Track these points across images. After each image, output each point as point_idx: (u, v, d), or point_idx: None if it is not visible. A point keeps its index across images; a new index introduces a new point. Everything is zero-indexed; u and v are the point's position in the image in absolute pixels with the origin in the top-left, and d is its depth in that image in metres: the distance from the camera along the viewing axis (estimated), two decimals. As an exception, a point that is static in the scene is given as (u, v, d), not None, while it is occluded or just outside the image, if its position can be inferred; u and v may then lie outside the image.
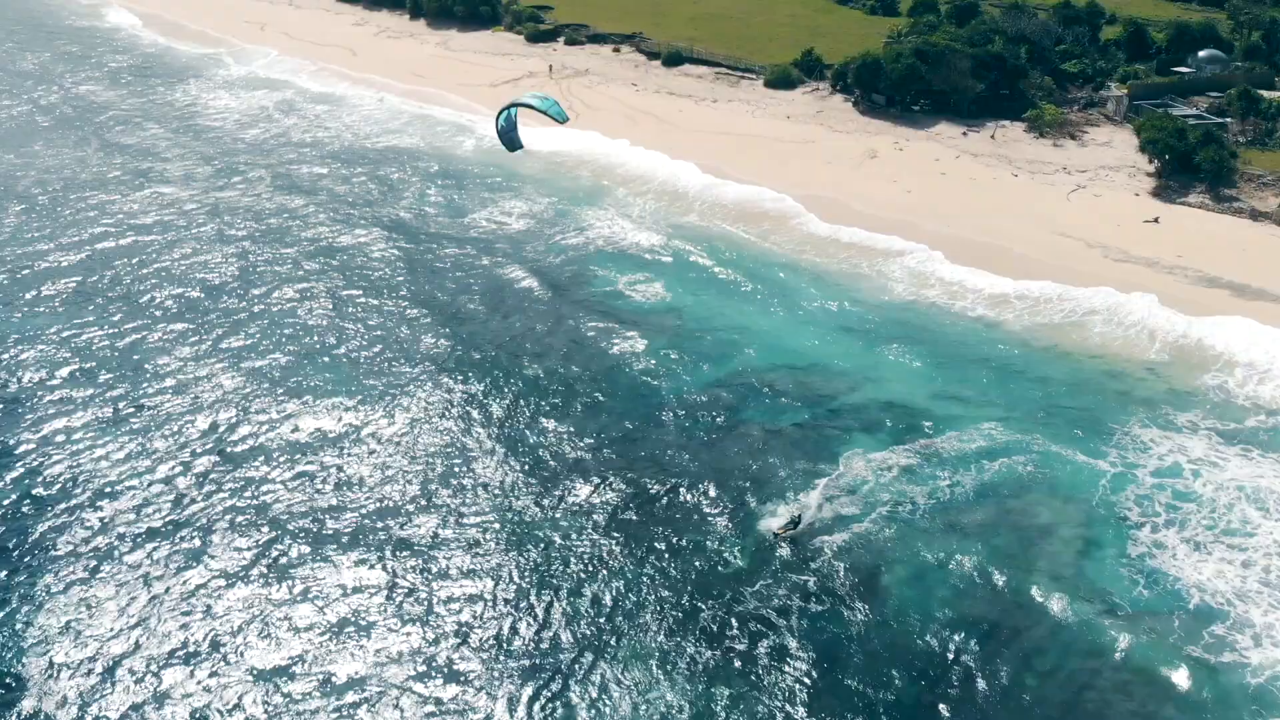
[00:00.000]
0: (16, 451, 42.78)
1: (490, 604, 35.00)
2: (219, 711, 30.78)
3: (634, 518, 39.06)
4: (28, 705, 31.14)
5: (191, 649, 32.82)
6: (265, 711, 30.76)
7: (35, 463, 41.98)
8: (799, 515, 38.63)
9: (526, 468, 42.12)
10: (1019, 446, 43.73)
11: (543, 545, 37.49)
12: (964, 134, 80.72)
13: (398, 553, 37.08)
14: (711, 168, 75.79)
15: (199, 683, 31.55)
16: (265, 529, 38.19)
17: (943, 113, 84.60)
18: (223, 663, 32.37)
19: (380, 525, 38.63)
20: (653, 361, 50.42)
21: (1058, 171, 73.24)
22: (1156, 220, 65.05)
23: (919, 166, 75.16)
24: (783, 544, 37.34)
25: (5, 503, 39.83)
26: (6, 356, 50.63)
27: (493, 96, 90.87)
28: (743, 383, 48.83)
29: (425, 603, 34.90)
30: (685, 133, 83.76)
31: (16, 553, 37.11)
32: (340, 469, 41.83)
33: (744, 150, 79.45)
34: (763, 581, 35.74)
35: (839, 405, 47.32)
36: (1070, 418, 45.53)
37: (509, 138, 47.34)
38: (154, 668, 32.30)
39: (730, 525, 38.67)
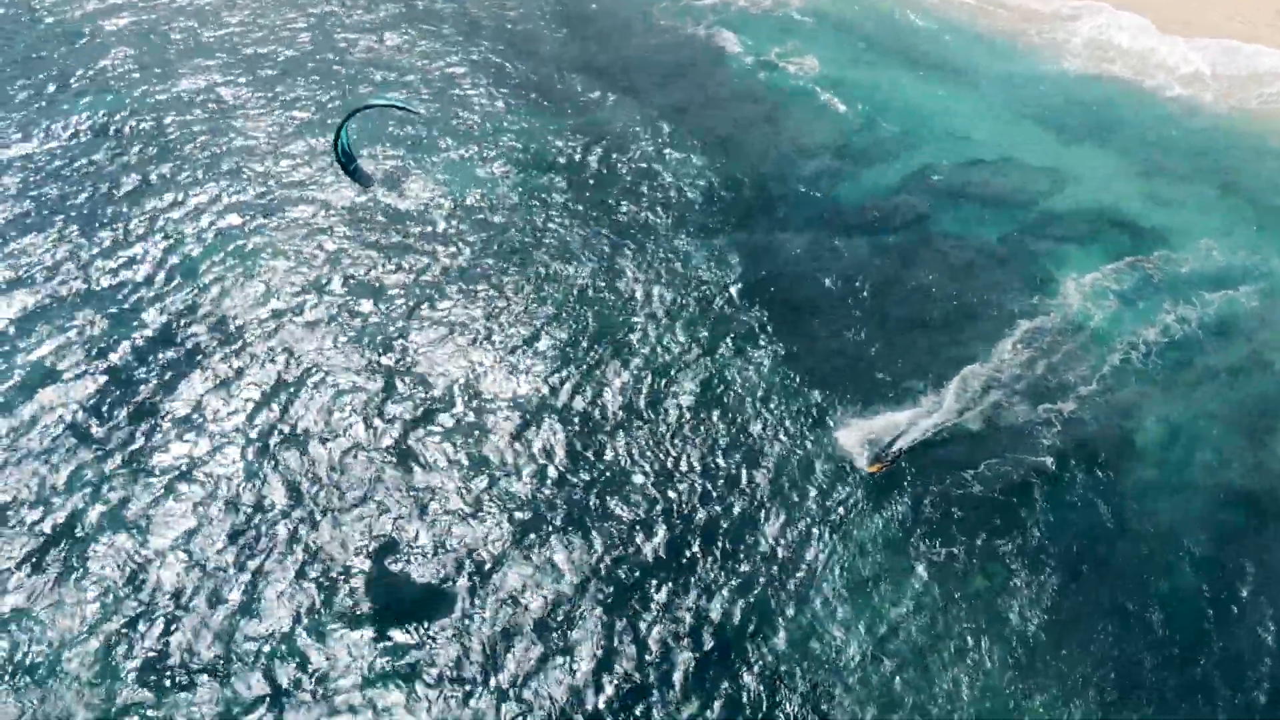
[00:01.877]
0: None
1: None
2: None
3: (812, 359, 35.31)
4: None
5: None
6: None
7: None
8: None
9: (667, 284, 37.74)
10: (1245, 270, 39.19)
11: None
12: None
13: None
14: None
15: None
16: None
17: None
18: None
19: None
20: (819, 161, 44.63)
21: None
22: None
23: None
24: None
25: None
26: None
27: None
28: (928, 186, 43.24)
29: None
30: None
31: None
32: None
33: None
34: (1001, 441, 32.32)
35: (1040, 213, 41.94)
36: (1305, 233, 40.65)
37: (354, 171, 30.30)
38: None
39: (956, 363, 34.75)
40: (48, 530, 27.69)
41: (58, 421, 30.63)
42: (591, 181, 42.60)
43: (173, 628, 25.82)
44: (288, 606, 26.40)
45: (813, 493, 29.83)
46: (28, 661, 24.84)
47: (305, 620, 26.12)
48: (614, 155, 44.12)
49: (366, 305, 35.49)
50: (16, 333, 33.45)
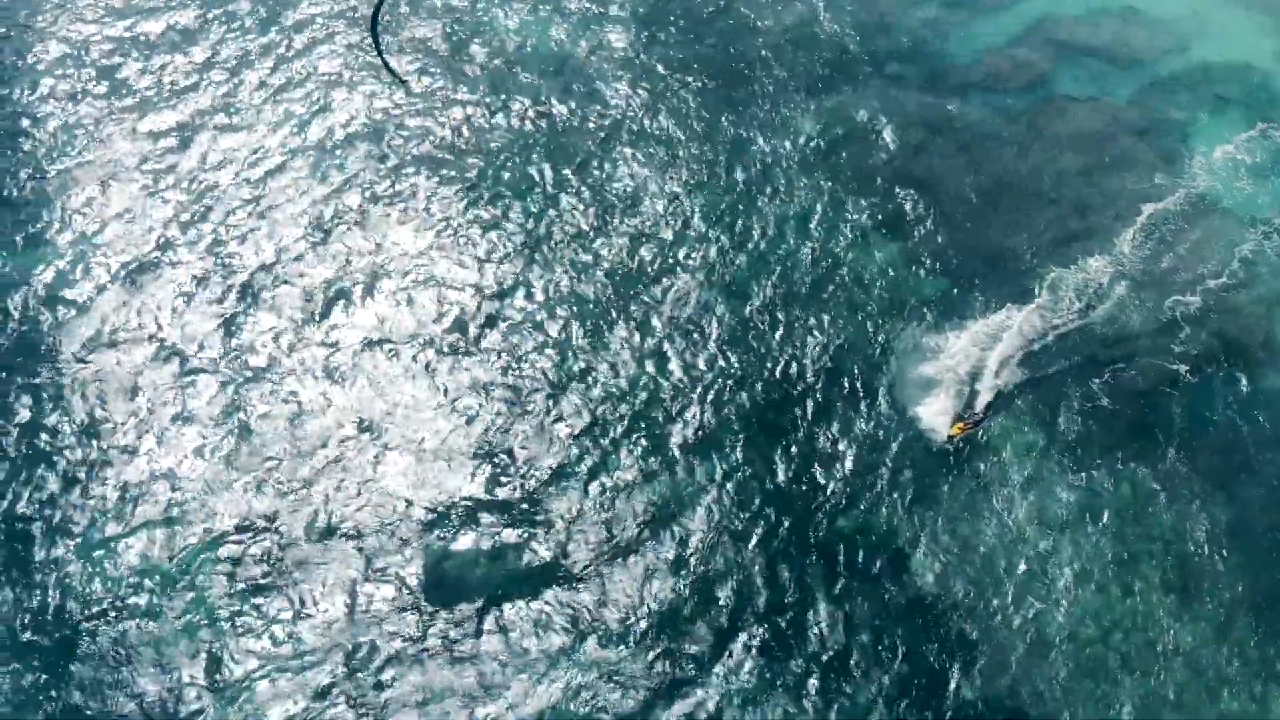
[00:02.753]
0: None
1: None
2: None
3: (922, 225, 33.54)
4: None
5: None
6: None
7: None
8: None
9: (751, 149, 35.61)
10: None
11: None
12: None
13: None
14: None
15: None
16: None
17: None
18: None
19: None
20: (927, 9, 41.16)
21: None
22: None
23: None
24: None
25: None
26: None
27: None
28: (1047, 39, 40.10)
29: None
30: None
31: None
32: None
33: None
34: (1128, 344, 30.99)
35: (1167, 72, 39.15)
36: None
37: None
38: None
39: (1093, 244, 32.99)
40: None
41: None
42: (676, 36, 39.60)
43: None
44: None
45: (933, 405, 29.02)
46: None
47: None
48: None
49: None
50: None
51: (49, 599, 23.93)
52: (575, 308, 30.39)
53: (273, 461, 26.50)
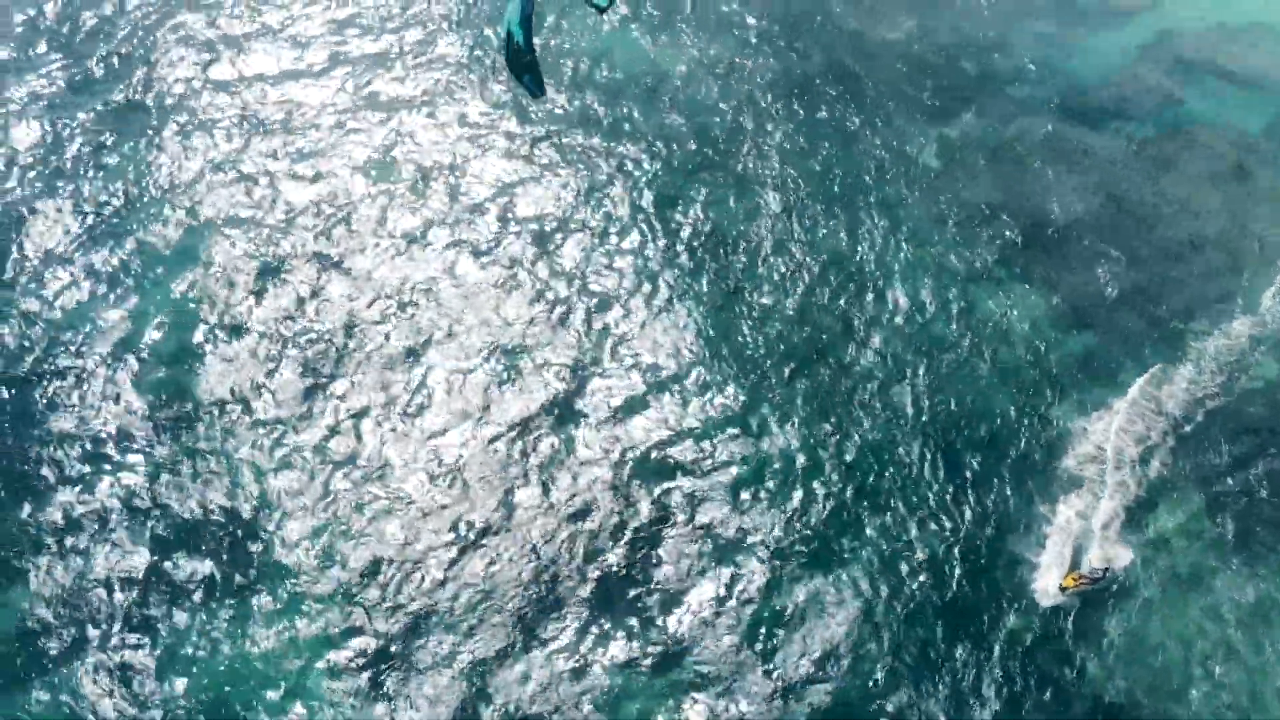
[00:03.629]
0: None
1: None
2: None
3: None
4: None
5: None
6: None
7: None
8: None
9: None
10: None
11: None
12: None
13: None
14: None
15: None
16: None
17: None
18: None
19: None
20: (1043, 23, 38.06)
21: None
22: None
23: None
24: None
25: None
26: None
27: None
28: (1171, 57, 37.23)
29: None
30: None
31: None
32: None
33: None
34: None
35: (1302, 98, 36.57)
36: None
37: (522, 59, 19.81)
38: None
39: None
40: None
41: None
42: (777, 51, 36.63)
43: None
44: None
45: (1085, 476, 26.64)
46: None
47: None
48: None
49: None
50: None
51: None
52: (681, 351, 27.83)
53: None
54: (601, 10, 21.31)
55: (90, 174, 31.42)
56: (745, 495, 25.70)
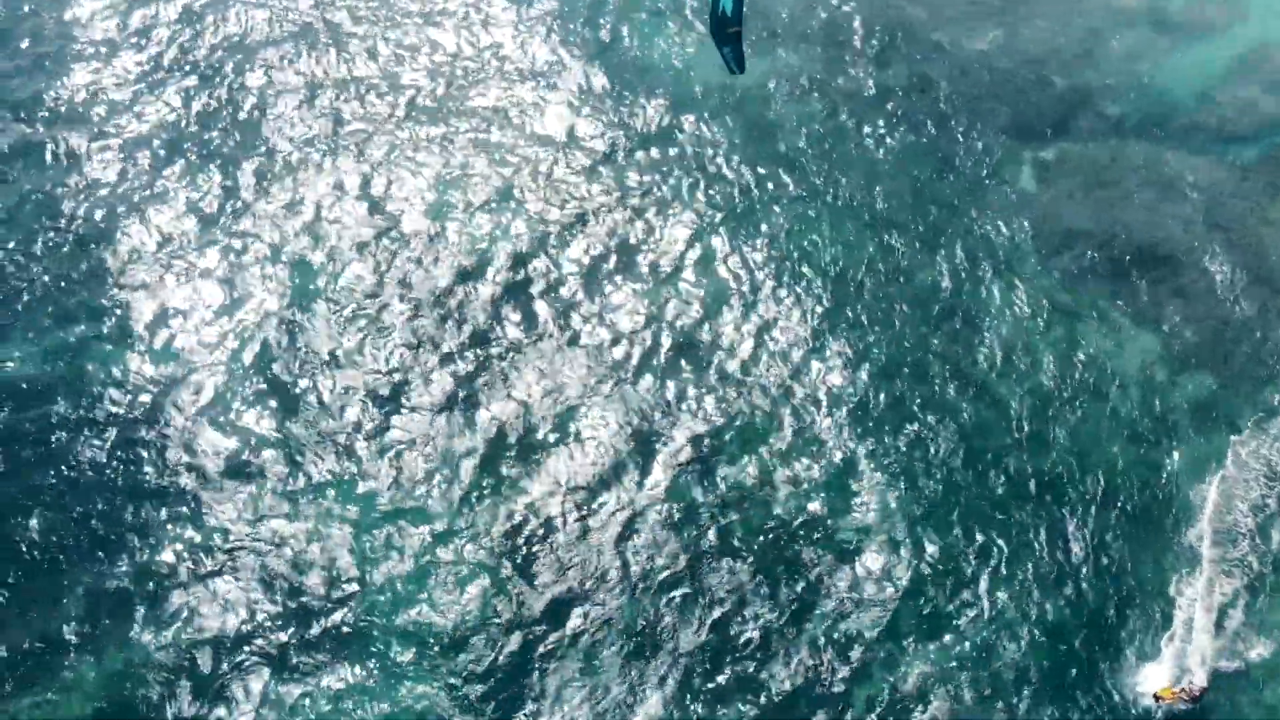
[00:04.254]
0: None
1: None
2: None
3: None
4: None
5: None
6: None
7: None
8: None
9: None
10: None
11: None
12: None
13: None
14: None
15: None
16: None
17: None
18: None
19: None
20: (1135, 33, 36.00)
21: None
22: None
23: None
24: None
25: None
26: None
27: None
28: (1271, 73, 35.33)
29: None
30: None
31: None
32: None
33: None
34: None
35: None
36: None
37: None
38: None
39: None
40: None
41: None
42: (860, 65, 34.70)
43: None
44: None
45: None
46: None
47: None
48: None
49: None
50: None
51: None
52: (764, 396, 26.18)
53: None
54: (735, 72, 19.72)
55: (190, 199, 29.52)
56: (849, 555, 24.16)
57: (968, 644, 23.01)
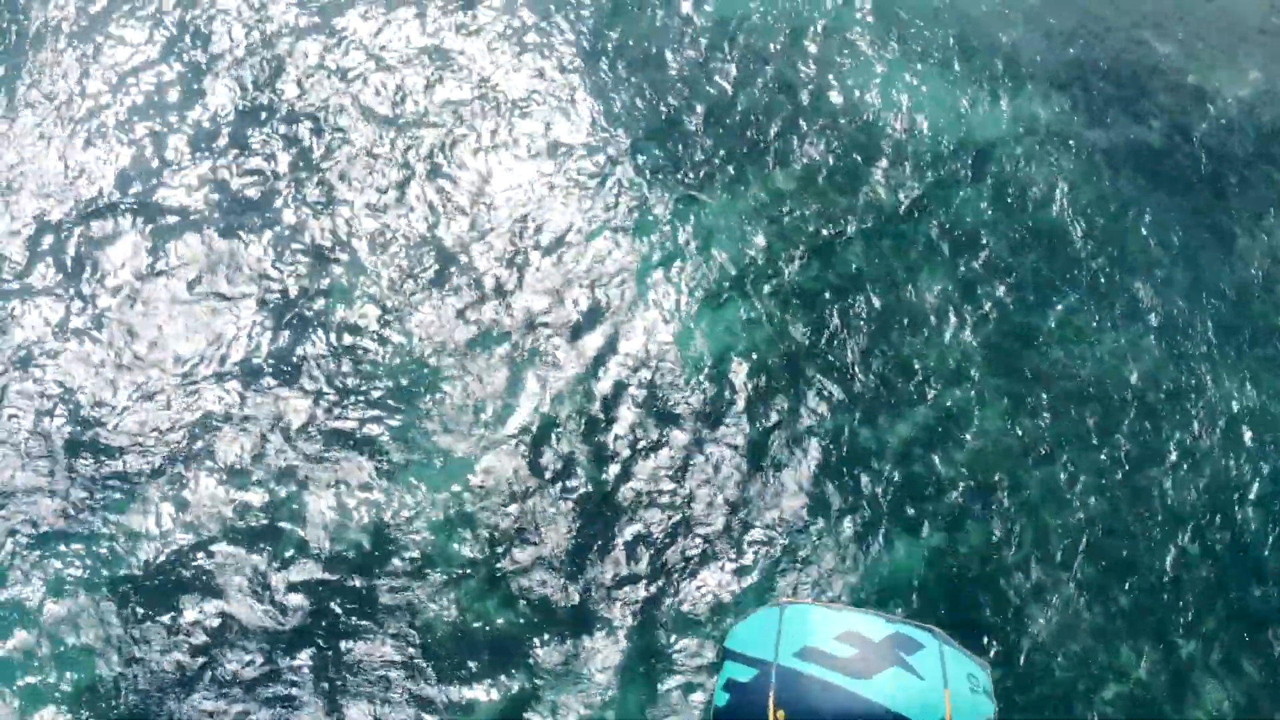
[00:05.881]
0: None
1: None
2: None
3: None
4: None
5: None
6: None
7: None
8: None
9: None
10: None
11: None
12: None
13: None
14: None
15: None
16: None
17: None
18: None
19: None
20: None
21: None
22: None
23: None
24: None
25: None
26: None
27: None
28: None
29: None
30: None
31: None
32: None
33: None
34: None
35: None
36: None
37: None
38: None
39: None
40: None
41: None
42: (1111, 115, 27.15)
43: None
44: None
45: None
46: None
47: None
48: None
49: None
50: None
51: None
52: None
53: None
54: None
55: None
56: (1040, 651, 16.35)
57: None
